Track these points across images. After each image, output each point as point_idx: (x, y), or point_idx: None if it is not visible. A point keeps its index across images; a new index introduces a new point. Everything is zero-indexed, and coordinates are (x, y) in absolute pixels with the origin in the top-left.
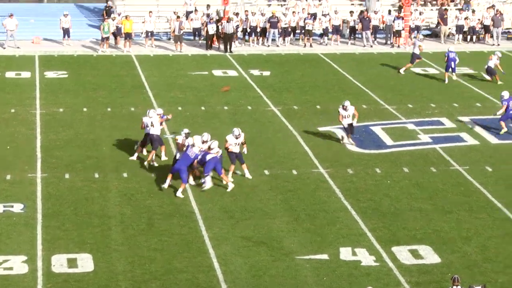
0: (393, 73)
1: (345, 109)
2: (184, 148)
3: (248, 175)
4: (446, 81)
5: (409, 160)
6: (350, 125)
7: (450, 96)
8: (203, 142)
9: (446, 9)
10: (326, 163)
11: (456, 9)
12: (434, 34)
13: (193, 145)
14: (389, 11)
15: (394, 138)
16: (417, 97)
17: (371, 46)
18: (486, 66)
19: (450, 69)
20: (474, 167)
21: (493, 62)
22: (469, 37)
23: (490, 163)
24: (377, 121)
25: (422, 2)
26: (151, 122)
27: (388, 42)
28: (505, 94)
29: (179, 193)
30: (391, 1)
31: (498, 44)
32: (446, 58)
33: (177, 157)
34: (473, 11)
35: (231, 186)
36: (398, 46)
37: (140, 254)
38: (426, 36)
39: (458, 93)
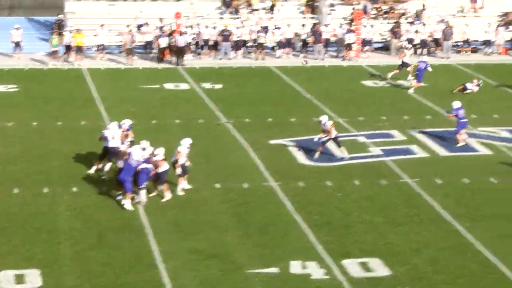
0: (344, 86)
1: (324, 124)
2: (126, 157)
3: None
4: (411, 91)
5: (360, 173)
6: (334, 139)
7: (401, 109)
8: (143, 149)
9: (397, 22)
10: (277, 176)
11: (407, 23)
12: (385, 47)
13: (134, 153)
14: (341, 25)
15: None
16: (368, 110)
17: (323, 59)
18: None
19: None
20: (424, 179)
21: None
22: (419, 50)
23: (439, 176)
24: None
25: (374, 16)
26: (112, 135)
27: (340, 55)
28: (455, 104)
29: (127, 205)
30: (343, 14)
31: (448, 57)
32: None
33: (120, 167)
34: (424, 25)
35: (167, 196)
36: (349, 59)
37: (89, 269)
38: (377, 49)
39: (409, 106)
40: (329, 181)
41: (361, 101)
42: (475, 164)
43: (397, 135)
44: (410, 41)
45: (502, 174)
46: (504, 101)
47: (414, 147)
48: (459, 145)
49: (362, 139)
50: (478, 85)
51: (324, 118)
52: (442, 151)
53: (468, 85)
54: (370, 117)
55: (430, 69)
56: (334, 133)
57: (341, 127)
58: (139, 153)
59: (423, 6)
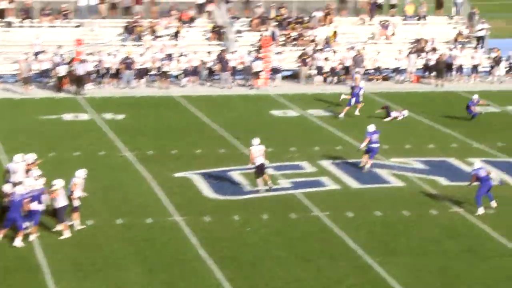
0: (252, 115)
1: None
2: (10, 198)
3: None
4: (357, 113)
5: (269, 207)
6: (261, 165)
7: (311, 139)
8: (35, 179)
9: (305, 50)
10: (182, 210)
11: (316, 50)
12: (294, 75)
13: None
14: (249, 52)
15: (253, 183)
16: (277, 141)
17: (230, 88)
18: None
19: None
20: (335, 212)
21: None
22: (329, 78)
23: (351, 209)
24: (235, 166)
25: (283, 43)
26: (16, 168)
27: (247, 83)
28: (370, 128)
29: (17, 242)
30: (250, 41)
31: None
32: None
33: (5, 205)
34: (334, 52)
35: (66, 234)
36: (257, 88)
37: None
38: (286, 77)
39: (319, 136)
40: (236, 215)
41: (269, 132)
42: (388, 196)
43: (307, 166)
44: (319, 69)
45: (415, 207)
46: (416, 130)
47: (325, 179)
48: (364, 168)
49: (270, 171)
50: (403, 115)
51: (255, 141)
52: (353, 183)
53: (393, 113)
54: (279, 148)
55: (344, 96)
56: (261, 161)
57: (248, 159)
58: (23, 187)
59: (334, 33)
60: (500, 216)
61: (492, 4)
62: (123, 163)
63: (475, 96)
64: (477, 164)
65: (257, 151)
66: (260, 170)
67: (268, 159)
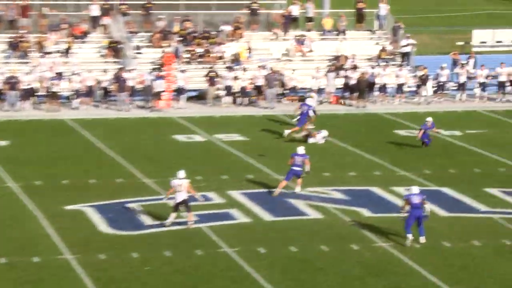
0: (153, 141)
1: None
2: None
3: None
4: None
5: (171, 242)
6: (183, 202)
7: (219, 167)
8: None
9: (212, 68)
10: (75, 248)
11: (224, 68)
12: (200, 96)
13: None
14: (151, 70)
15: (154, 217)
16: (177, 169)
17: (128, 110)
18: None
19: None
20: (246, 248)
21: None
22: (239, 99)
23: (264, 244)
24: (134, 197)
25: (187, 60)
26: None
27: (148, 105)
28: (299, 150)
29: None
30: (151, 58)
31: (273, 107)
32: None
33: None
34: (245, 70)
35: None
36: (159, 110)
37: None
38: (191, 98)
39: (228, 164)
40: (135, 252)
41: (172, 159)
42: (304, 230)
43: (215, 197)
44: (228, 89)
45: (335, 241)
46: (336, 156)
47: (234, 211)
48: (274, 193)
49: (173, 202)
50: (323, 137)
51: (180, 174)
52: (266, 216)
53: (311, 139)
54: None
55: (311, 113)
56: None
57: (149, 189)
58: None
59: (247, 49)
60: (428, 251)
61: (417, 17)
62: (7, 195)
63: (429, 119)
64: (415, 189)
65: (178, 186)
66: (177, 207)
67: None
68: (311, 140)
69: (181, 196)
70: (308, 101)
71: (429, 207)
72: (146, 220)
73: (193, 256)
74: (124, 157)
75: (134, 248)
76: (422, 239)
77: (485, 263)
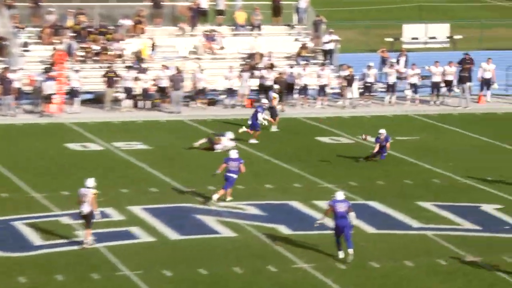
0: (42, 150)
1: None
2: None
3: None
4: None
5: (65, 265)
6: (86, 216)
7: (117, 179)
8: None
9: (110, 67)
10: None
11: (124, 67)
12: (97, 99)
13: None
14: (42, 70)
15: (44, 236)
16: (74, 182)
17: (14, 115)
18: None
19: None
20: (149, 271)
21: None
22: (141, 102)
23: (169, 266)
24: (21, 214)
25: (82, 58)
26: None
27: (37, 109)
28: (232, 153)
29: None
30: (40, 56)
31: (178, 112)
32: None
33: None
34: (146, 70)
35: None
36: (50, 115)
37: None
38: (87, 101)
39: (127, 175)
40: (22, 276)
41: (64, 171)
42: (215, 250)
43: (113, 214)
44: (128, 91)
45: (250, 262)
46: (250, 167)
47: (135, 229)
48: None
49: (66, 219)
50: (230, 139)
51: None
52: (172, 234)
53: (218, 146)
54: (76, 191)
55: (265, 117)
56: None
57: (39, 205)
58: None
59: (153, 45)
60: (354, 272)
61: (341, 10)
62: None
63: (382, 131)
64: (340, 194)
65: (83, 195)
66: (85, 220)
67: (62, 205)
68: (218, 147)
69: (85, 209)
70: (264, 100)
71: (353, 215)
72: (36, 239)
73: (89, 280)
74: (10, 169)
75: (21, 272)
76: (351, 251)
77: (417, 285)
